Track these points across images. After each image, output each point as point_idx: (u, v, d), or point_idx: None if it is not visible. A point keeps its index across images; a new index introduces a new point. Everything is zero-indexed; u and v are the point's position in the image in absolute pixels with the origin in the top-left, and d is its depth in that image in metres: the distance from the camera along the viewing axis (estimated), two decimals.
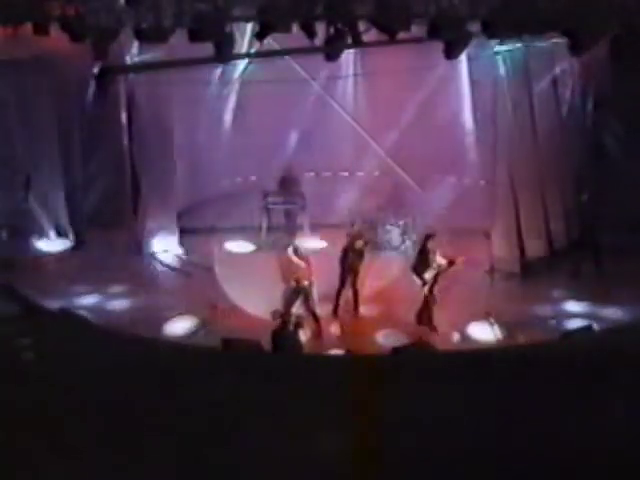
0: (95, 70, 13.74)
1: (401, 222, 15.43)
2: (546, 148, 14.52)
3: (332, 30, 11.80)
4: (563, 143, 14.68)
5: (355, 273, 13.07)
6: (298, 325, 10.91)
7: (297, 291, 12.29)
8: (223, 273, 14.05)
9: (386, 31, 11.59)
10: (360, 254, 13.05)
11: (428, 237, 12.74)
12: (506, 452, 6.58)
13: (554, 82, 14.57)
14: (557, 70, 14.48)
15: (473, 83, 15.48)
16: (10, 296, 11.91)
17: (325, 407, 7.15)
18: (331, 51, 12.15)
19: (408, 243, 15.31)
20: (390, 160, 16.03)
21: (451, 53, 12.00)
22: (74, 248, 15.26)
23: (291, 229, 15.69)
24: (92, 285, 13.97)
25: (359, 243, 13.03)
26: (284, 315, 11.08)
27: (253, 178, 16.15)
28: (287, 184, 15.95)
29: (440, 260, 12.43)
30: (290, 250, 12.57)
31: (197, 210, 16.12)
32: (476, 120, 15.64)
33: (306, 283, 12.33)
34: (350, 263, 12.97)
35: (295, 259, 12.46)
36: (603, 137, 14.58)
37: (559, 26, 11.69)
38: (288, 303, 12.12)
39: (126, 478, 6.45)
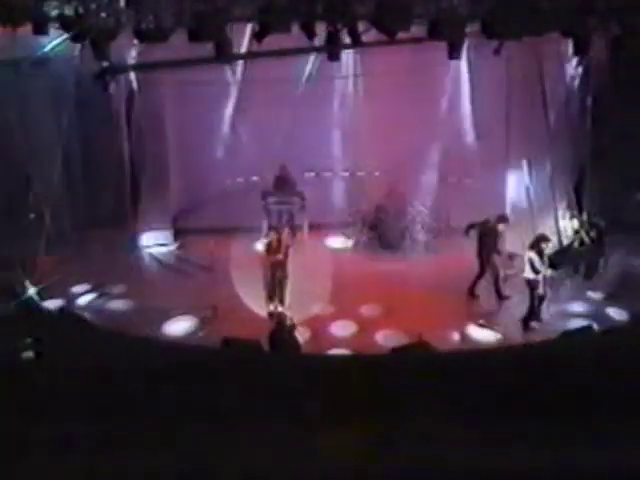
0: (95, 70, 13.71)
1: (401, 222, 15.47)
2: (556, 144, 14.63)
3: (332, 30, 11.80)
4: (572, 139, 14.78)
5: (489, 259, 13.41)
6: (293, 327, 10.95)
7: (274, 280, 12.85)
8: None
9: (386, 31, 11.59)
10: (494, 242, 13.37)
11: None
12: (506, 451, 6.58)
13: (562, 80, 14.68)
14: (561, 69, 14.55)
15: (476, 82, 15.51)
16: (10, 296, 11.94)
17: (325, 407, 7.16)
18: (331, 51, 12.14)
19: (408, 243, 15.35)
20: (390, 160, 16.01)
21: (453, 53, 12.01)
22: (74, 248, 15.25)
23: (291, 229, 15.70)
24: (92, 285, 13.98)
25: (492, 230, 13.37)
26: (281, 316, 11.09)
27: (253, 178, 16.16)
28: (287, 184, 15.94)
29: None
30: (272, 240, 12.96)
31: (197, 210, 16.15)
32: (476, 120, 15.68)
33: (282, 272, 12.85)
34: (484, 250, 13.39)
35: (275, 242, 12.91)
36: (604, 138, 14.62)
37: (559, 26, 11.70)
38: (270, 291, 12.80)
39: (126, 478, 6.45)
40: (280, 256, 12.88)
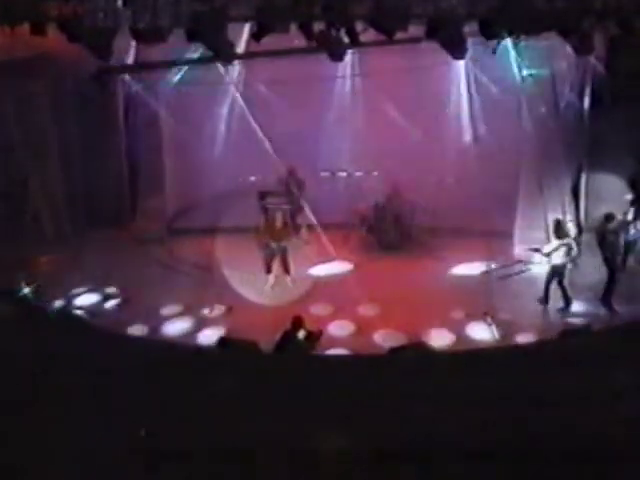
0: (93, 70, 13.72)
1: (399, 222, 15.46)
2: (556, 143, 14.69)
3: (329, 30, 11.78)
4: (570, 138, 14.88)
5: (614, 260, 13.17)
6: (310, 336, 10.86)
7: (275, 249, 14.01)
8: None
9: (384, 31, 11.58)
10: (615, 239, 13.16)
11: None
12: (505, 452, 6.58)
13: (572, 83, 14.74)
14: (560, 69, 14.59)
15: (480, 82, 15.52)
16: (8, 296, 11.91)
17: (325, 407, 7.16)
18: (328, 51, 12.12)
19: (406, 243, 15.37)
20: (389, 160, 16.00)
21: (456, 53, 11.99)
22: (72, 248, 15.26)
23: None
24: (91, 285, 13.97)
25: (612, 227, 13.17)
26: (298, 320, 10.96)
27: (251, 178, 16.15)
28: (285, 184, 15.93)
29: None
30: (279, 215, 14.31)
31: (195, 210, 16.15)
32: (474, 119, 15.69)
33: (283, 243, 14.07)
34: (608, 252, 13.12)
35: (279, 222, 14.17)
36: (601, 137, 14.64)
37: (556, 26, 11.69)
38: (268, 260, 14.00)
39: (125, 478, 6.45)
40: (280, 230, 14.12)
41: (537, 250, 13.31)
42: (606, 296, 13.01)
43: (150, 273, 14.70)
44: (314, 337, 10.96)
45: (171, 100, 15.67)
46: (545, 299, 13.18)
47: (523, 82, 14.54)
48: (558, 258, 13.01)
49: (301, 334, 10.86)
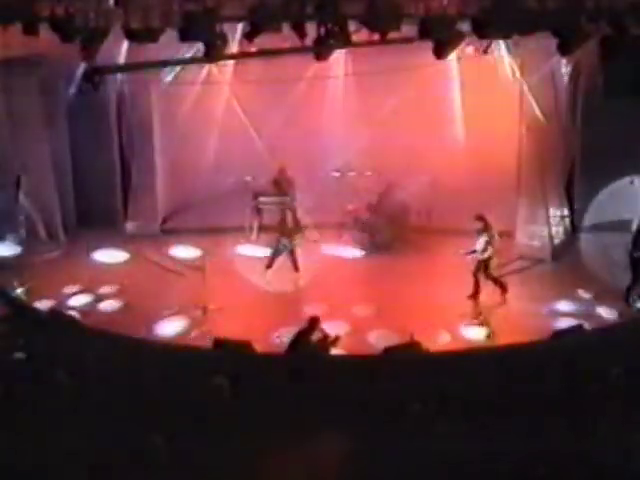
0: (85, 70, 13.69)
1: (393, 222, 15.46)
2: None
3: (322, 30, 11.77)
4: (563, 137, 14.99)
5: None
6: (324, 339, 10.71)
7: (285, 246, 14.16)
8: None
9: (377, 31, 11.57)
10: None
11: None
12: (503, 452, 6.60)
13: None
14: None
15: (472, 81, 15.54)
16: (0, 297, 11.89)
17: (325, 407, 7.16)
18: (322, 51, 12.12)
19: (400, 243, 15.37)
20: (382, 160, 15.99)
21: (440, 53, 12.00)
22: (65, 248, 15.23)
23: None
24: (83, 285, 13.94)
25: None
26: (314, 321, 10.78)
27: (245, 178, 16.12)
28: (278, 184, 15.92)
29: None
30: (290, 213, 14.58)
31: (188, 210, 16.14)
32: (469, 119, 15.72)
33: (295, 241, 14.26)
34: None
35: (290, 220, 14.49)
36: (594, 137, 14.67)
37: (549, 26, 11.70)
38: (274, 256, 14.12)
39: (123, 478, 6.44)
40: (292, 228, 14.37)
41: (473, 252, 13.30)
42: (627, 292, 13.02)
43: (143, 273, 14.67)
44: (329, 342, 10.73)
45: (164, 99, 15.66)
46: (476, 292, 13.35)
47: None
48: (485, 252, 13.17)
49: (315, 336, 10.67)
